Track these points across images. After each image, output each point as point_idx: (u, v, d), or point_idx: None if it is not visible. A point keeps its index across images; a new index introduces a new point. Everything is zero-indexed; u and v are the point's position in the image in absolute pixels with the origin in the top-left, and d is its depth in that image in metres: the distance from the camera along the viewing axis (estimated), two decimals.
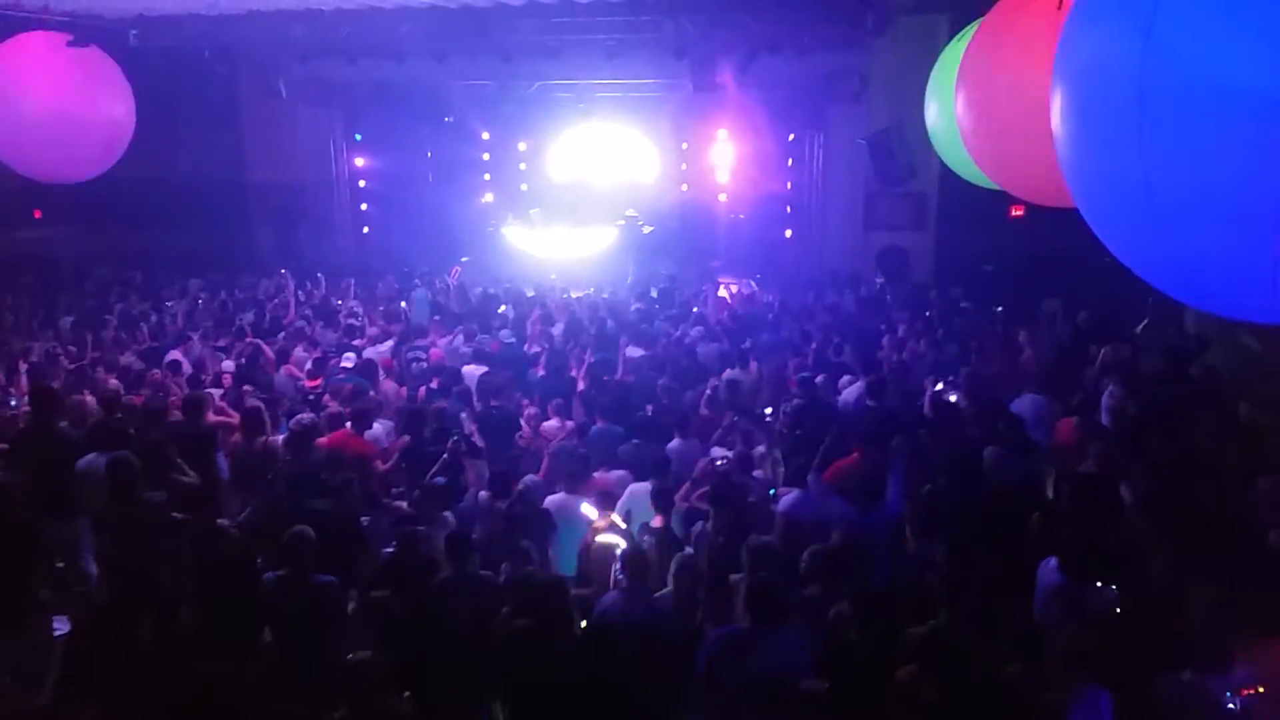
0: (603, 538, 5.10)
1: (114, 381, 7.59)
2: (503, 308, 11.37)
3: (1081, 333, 9.03)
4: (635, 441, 6.65)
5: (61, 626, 4.87)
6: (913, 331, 9.53)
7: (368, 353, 8.92)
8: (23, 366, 8.15)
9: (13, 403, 7.55)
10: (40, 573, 5.01)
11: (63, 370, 8.07)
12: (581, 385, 7.93)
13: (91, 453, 5.74)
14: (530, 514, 5.30)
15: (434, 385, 7.87)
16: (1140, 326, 8.67)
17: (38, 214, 13.20)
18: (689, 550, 4.93)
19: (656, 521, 5.21)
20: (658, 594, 4.46)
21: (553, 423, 7.16)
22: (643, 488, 5.62)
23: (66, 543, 5.62)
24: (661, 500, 5.32)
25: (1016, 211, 11.84)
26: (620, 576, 4.38)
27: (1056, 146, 3.64)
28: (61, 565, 5.65)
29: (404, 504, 5.88)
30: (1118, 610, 4.05)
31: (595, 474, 6.00)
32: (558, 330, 9.85)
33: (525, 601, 4.13)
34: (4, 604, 4.72)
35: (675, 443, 6.57)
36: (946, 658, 3.71)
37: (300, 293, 12.38)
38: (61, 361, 8.41)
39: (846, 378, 7.76)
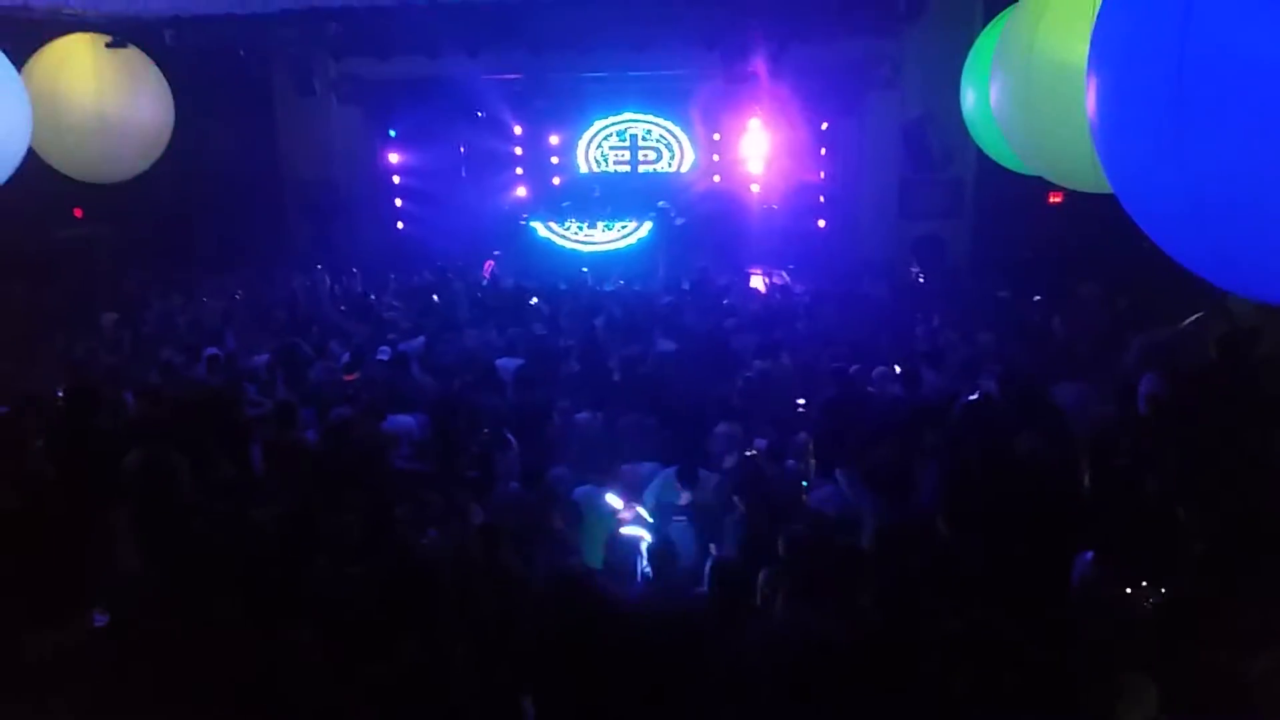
0: (628, 529, 5.10)
1: (153, 376, 7.72)
2: (534, 300, 11.40)
3: (1121, 319, 8.87)
4: (665, 430, 6.64)
5: (101, 619, 4.95)
6: (948, 321, 9.42)
7: (401, 346, 8.98)
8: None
9: (59, 393, 7.70)
10: (81, 567, 5.11)
11: (103, 366, 8.21)
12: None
13: (130, 446, 5.83)
14: (559, 504, 5.32)
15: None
16: (1191, 320, 8.47)
17: (78, 213, 13.43)
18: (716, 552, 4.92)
19: (683, 499, 5.21)
20: (687, 588, 4.45)
21: (585, 415, 7.16)
22: (672, 472, 5.63)
23: (105, 537, 5.71)
24: (687, 477, 5.32)
25: (1055, 198, 11.64)
26: (647, 569, 4.38)
27: (1093, 132, 3.57)
28: (100, 559, 5.74)
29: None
30: (1156, 604, 3.97)
31: (625, 466, 6.00)
32: (599, 322, 9.85)
33: (558, 593, 4.14)
34: (46, 598, 4.81)
35: (722, 426, 6.58)
36: (982, 651, 3.66)
37: (336, 287, 12.50)
38: (101, 357, 8.56)
39: (880, 369, 7.68)
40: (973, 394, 6.86)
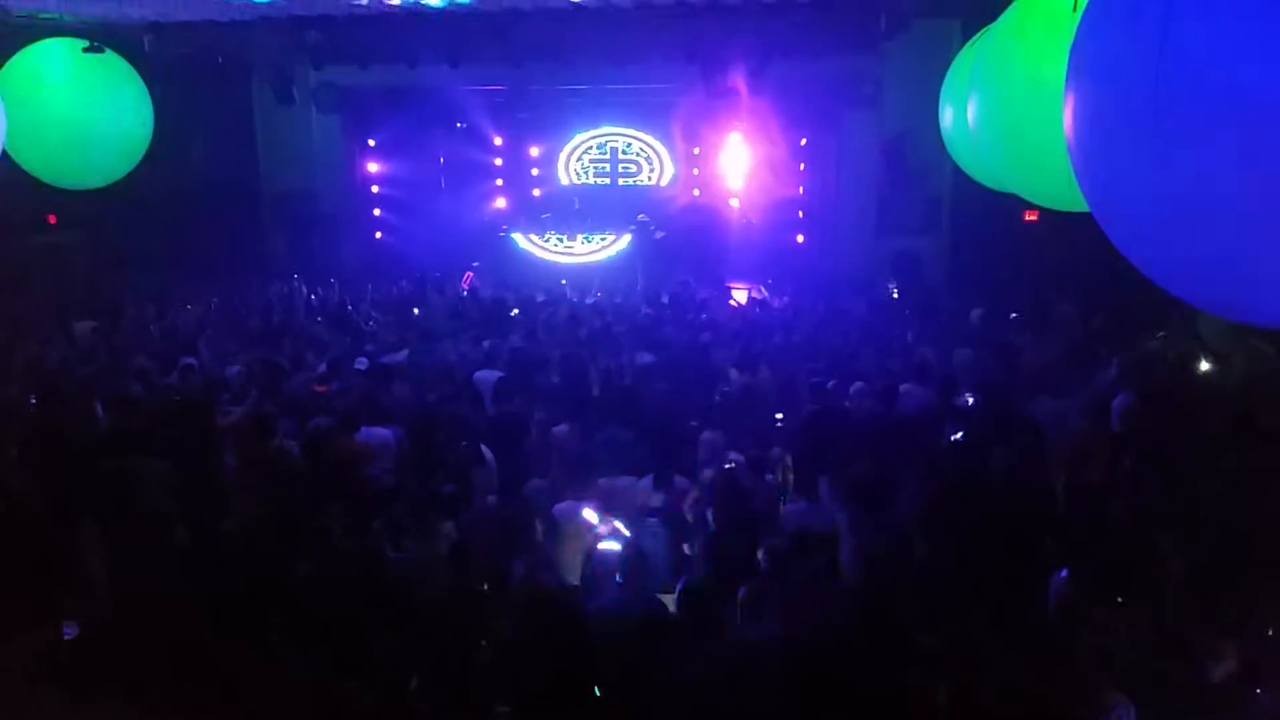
0: (605, 544, 5.08)
1: (126, 385, 7.62)
2: (514, 311, 11.37)
3: (1095, 337, 8.95)
4: (643, 443, 6.63)
5: (69, 630, 4.88)
6: (925, 336, 9.47)
7: (383, 359, 8.90)
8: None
9: (32, 400, 7.59)
10: (51, 576, 5.02)
11: (76, 374, 8.11)
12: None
13: (102, 455, 5.76)
14: (536, 518, 5.29)
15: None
16: (1158, 336, 8.57)
17: (52, 219, 13.27)
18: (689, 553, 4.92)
19: (655, 501, 5.21)
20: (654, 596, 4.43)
21: (563, 428, 7.13)
22: (649, 483, 5.63)
23: (74, 546, 5.63)
24: (663, 481, 5.32)
25: (1030, 216, 11.75)
26: (618, 577, 4.37)
27: (1070, 151, 3.60)
28: (69, 568, 5.65)
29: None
30: (1131, 621, 3.99)
31: (602, 479, 5.97)
32: (582, 334, 9.83)
33: (532, 610, 4.10)
34: (17, 607, 4.73)
35: (707, 434, 6.59)
36: (959, 668, 3.66)
37: (313, 297, 12.41)
38: (75, 365, 8.45)
39: (858, 384, 7.70)
40: (951, 410, 6.91)
